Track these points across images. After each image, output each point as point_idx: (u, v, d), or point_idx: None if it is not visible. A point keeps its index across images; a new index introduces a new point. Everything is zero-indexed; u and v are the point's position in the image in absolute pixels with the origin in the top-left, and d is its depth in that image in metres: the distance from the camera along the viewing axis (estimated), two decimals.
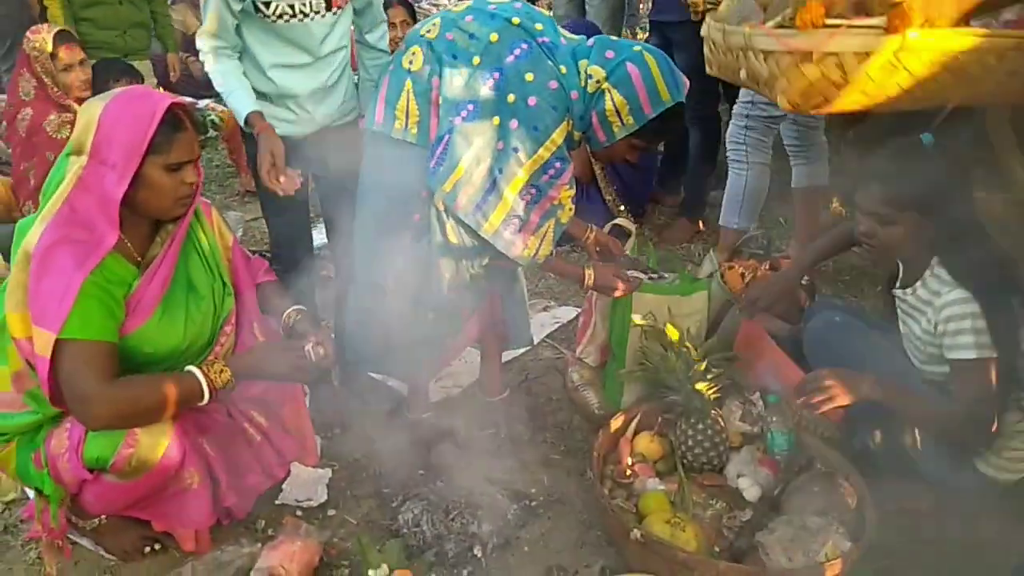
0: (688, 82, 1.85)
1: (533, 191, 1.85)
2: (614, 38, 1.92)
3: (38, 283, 1.55)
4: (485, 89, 1.80)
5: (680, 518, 1.80)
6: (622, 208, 3.42)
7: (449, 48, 1.84)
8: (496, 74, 1.80)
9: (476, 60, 1.82)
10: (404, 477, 2.11)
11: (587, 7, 4.00)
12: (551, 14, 4.16)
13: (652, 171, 3.57)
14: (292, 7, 2.00)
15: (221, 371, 1.67)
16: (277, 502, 2.01)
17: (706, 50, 2.31)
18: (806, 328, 2.16)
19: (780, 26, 1.91)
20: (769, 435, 2.08)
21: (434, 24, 1.91)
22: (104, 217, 1.58)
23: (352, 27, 2.27)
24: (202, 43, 2.03)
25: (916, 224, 1.80)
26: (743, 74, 2.06)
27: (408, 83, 1.88)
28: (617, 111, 1.80)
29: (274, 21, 2.01)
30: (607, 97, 1.79)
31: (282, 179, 2.05)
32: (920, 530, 1.94)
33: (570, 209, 1.95)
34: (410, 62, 1.89)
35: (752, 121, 2.83)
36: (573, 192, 1.93)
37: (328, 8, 2.05)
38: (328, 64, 2.15)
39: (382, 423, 2.34)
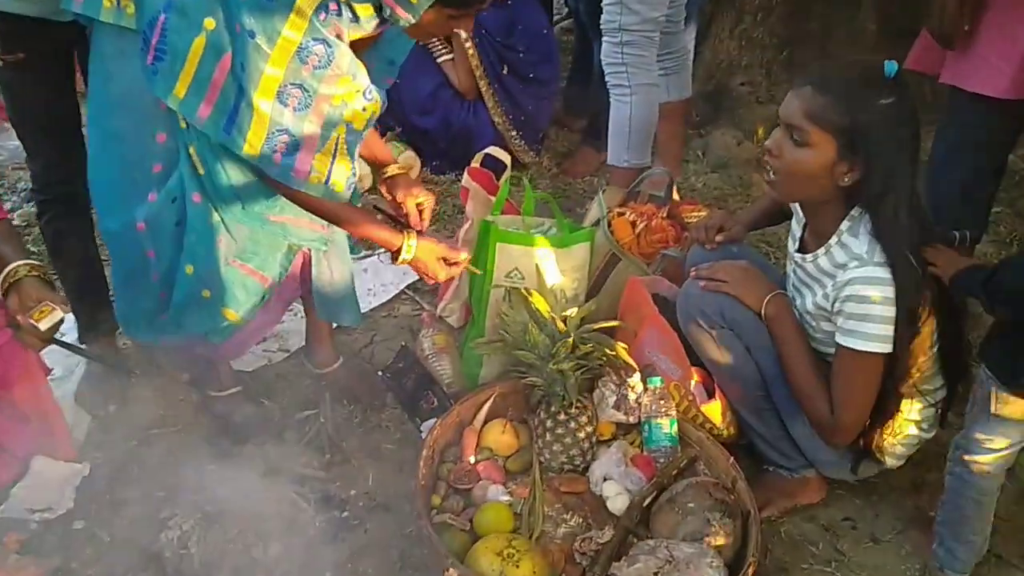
0: None
1: (297, 92, 1.32)
2: None
3: None
4: None
5: (516, 547, 1.39)
6: (514, 133, 2.89)
7: None
8: None
9: None
10: (185, 476, 1.65)
11: None
12: None
13: (552, 88, 3.02)
14: None
15: None
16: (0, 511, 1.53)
17: None
18: (683, 287, 1.73)
19: None
20: (646, 426, 1.69)
21: None
22: None
23: None
24: None
25: (833, 158, 1.39)
26: None
27: None
28: None
29: None
30: None
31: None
32: (817, 546, 1.62)
33: (366, 110, 1.41)
34: None
35: (628, 34, 2.28)
36: (363, 85, 1.39)
37: None
38: None
39: (173, 400, 1.86)
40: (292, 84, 1.31)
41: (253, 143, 1.35)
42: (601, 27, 2.34)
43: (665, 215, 2.04)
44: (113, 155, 1.52)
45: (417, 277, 1.88)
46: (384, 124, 2.90)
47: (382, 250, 1.86)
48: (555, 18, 3.86)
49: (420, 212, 1.67)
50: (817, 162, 1.40)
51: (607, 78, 2.39)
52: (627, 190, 2.20)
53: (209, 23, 1.29)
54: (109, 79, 1.45)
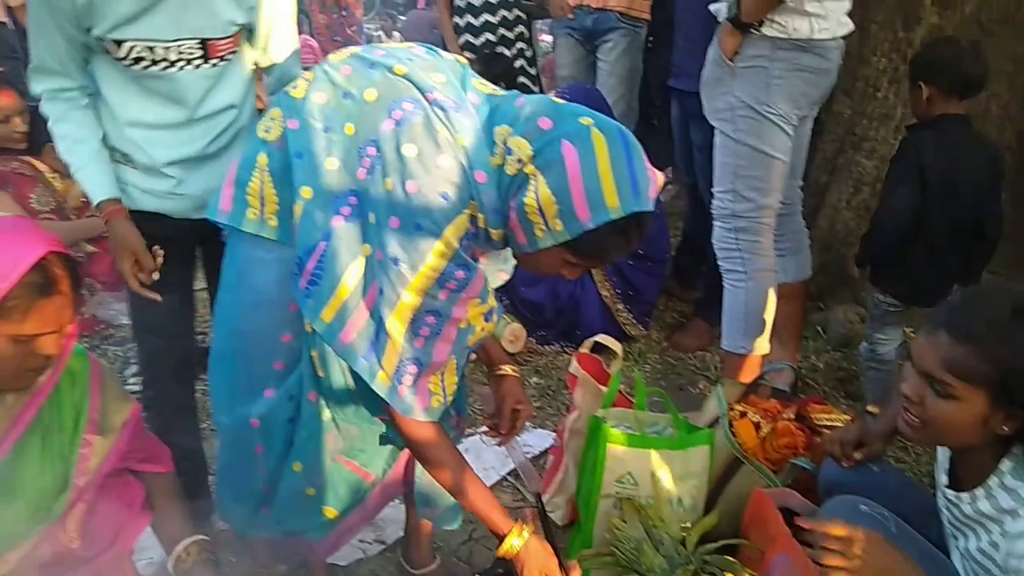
0: (661, 180, 1.26)
1: (431, 319, 1.29)
2: (561, 101, 1.30)
3: None
4: (362, 172, 1.28)
5: None
6: (621, 307, 2.84)
7: (320, 112, 1.32)
8: (372, 149, 1.27)
9: (349, 128, 1.30)
10: None
11: (599, 67, 3.43)
12: (557, 75, 3.64)
13: (662, 264, 2.98)
14: (152, 50, 1.50)
15: None
16: None
17: None
18: (821, 510, 1.53)
19: None
20: None
21: (305, 79, 1.40)
22: None
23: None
24: (37, 85, 1.55)
25: (986, 411, 1.21)
26: None
27: (262, 157, 1.37)
28: (541, 209, 1.20)
29: (130, 66, 1.52)
30: (531, 185, 1.20)
31: (153, 275, 1.58)
32: None
33: (484, 331, 1.39)
34: (267, 129, 1.38)
35: (741, 221, 2.20)
36: (488, 308, 1.36)
37: (205, 58, 1.56)
38: (210, 127, 1.63)
39: None
40: (428, 311, 1.28)
41: (387, 371, 1.32)
42: (712, 212, 2.29)
43: (793, 416, 1.88)
44: (237, 353, 1.52)
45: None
46: None
47: (483, 428, 1.76)
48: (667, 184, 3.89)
49: (515, 419, 1.60)
50: (967, 415, 1.22)
51: (720, 262, 2.31)
52: (747, 385, 2.05)
53: (366, 250, 1.30)
54: (241, 282, 1.47)
